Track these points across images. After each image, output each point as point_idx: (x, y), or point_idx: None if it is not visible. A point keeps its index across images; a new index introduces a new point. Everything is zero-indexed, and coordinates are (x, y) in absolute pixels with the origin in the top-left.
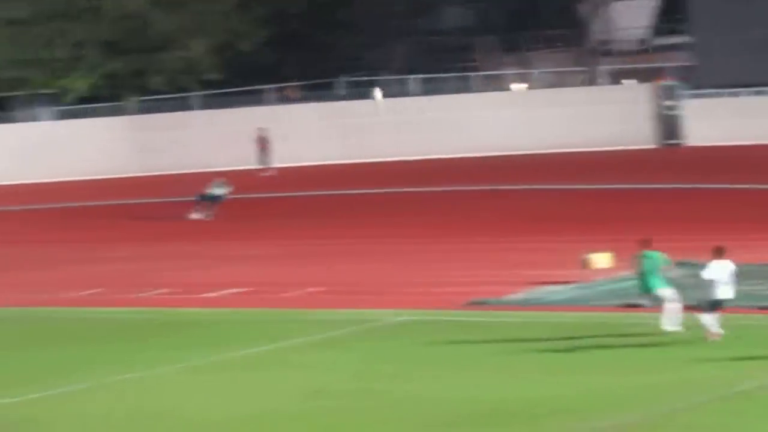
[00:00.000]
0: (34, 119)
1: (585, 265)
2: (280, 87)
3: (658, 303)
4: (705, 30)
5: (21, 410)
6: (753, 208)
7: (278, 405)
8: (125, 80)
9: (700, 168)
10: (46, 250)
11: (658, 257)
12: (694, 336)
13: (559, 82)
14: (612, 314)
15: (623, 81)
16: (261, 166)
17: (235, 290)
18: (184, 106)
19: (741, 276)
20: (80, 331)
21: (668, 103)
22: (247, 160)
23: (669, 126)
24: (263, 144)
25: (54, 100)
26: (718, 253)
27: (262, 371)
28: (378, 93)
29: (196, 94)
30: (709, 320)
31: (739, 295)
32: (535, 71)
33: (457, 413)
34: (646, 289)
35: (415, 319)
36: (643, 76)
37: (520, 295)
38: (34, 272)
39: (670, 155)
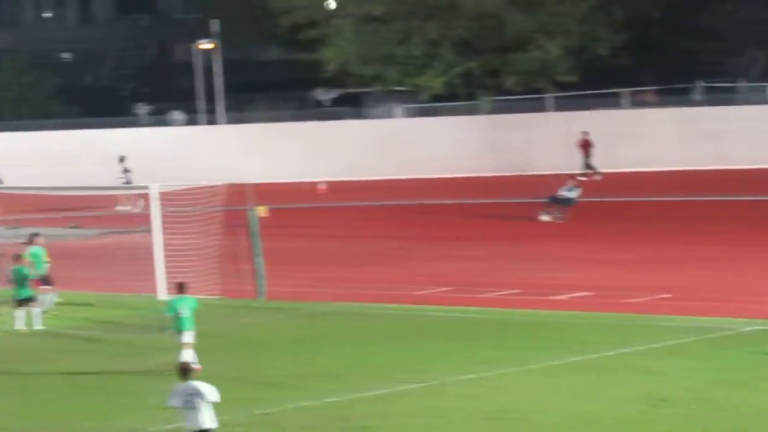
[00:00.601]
0: (388, 116)
1: None
2: (636, 91)
3: None
4: None
5: (363, 406)
6: None
7: (619, 410)
8: (479, 79)
9: None
10: (396, 246)
11: None
12: None
13: None
14: None
15: None
16: (584, 171)
17: (581, 293)
18: (537, 107)
19: None
20: (427, 328)
21: None
22: (600, 163)
23: None
24: (586, 148)
25: (408, 97)
26: None
27: (605, 376)
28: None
29: (550, 96)
30: None
31: None
32: None
33: None
34: None
35: (764, 329)
36: None
37: None
38: (384, 268)
39: None
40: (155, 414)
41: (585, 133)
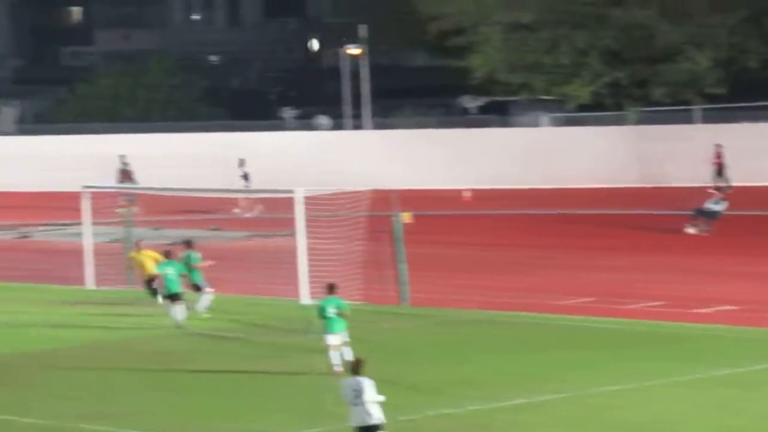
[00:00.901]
0: (534, 124)
1: None
2: None
3: None
4: None
5: (504, 415)
6: None
7: (765, 425)
8: (627, 90)
9: None
10: (540, 255)
11: None
12: None
13: None
14: None
15: None
16: (716, 185)
17: (727, 307)
18: (684, 118)
19: None
20: (569, 338)
21: None
22: (748, 177)
23: None
24: (719, 162)
25: (554, 106)
26: None
27: (750, 390)
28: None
29: (697, 108)
30: None
31: None
32: None
33: None
34: None
35: None
36: None
37: None
38: (527, 277)
39: None
40: (292, 417)
41: (718, 146)
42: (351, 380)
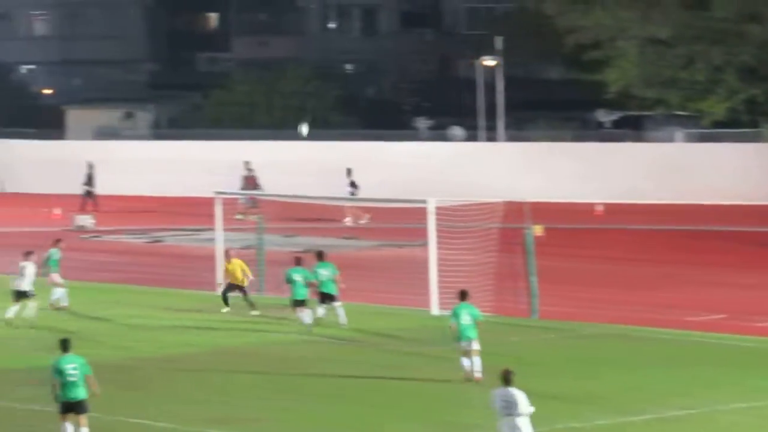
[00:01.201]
0: (669, 140)
1: None
2: None
3: None
4: None
5: (632, 430)
6: None
7: None
8: (763, 107)
9: None
10: (671, 271)
11: None
12: None
13: None
14: None
15: None
16: None
17: None
18: None
19: None
20: (699, 354)
21: None
22: None
23: None
24: None
25: (689, 121)
26: None
27: None
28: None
29: None
30: None
31: None
32: None
33: None
34: None
35: None
36: None
37: None
38: (657, 292)
39: None
40: (423, 427)
41: None
42: (501, 391)
